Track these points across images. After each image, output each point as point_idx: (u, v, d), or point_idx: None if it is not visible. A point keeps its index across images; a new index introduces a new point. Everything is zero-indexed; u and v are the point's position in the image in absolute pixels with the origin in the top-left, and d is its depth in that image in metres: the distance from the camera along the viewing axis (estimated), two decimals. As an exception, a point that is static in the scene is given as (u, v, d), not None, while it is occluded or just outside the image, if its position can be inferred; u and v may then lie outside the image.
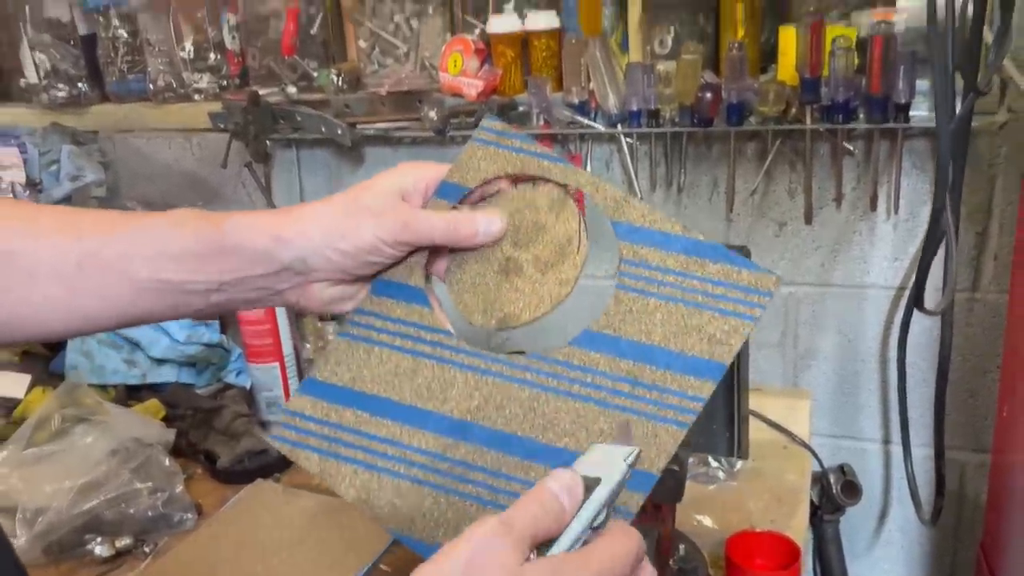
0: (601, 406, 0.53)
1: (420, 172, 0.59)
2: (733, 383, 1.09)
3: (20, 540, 0.99)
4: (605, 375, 0.54)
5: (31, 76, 1.47)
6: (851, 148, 1.12)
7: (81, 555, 1.00)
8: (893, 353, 1.18)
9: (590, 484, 0.43)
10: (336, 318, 1.34)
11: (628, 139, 1.20)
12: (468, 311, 0.59)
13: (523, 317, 0.57)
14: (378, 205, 0.56)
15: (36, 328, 0.55)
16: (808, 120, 1.08)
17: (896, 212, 1.12)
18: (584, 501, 0.43)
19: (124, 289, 0.55)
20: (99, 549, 1.00)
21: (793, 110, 1.10)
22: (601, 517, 0.43)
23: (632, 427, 0.51)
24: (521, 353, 0.56)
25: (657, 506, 0.74)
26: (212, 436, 1.17)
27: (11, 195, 1.23)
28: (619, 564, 0.42)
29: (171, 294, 0.56)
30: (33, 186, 1.28)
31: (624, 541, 0.42)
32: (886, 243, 1.15)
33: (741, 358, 1.09)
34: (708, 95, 1.10)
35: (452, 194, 0.60)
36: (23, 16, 1.44)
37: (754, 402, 1.15)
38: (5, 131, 1.33)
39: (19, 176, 1.25)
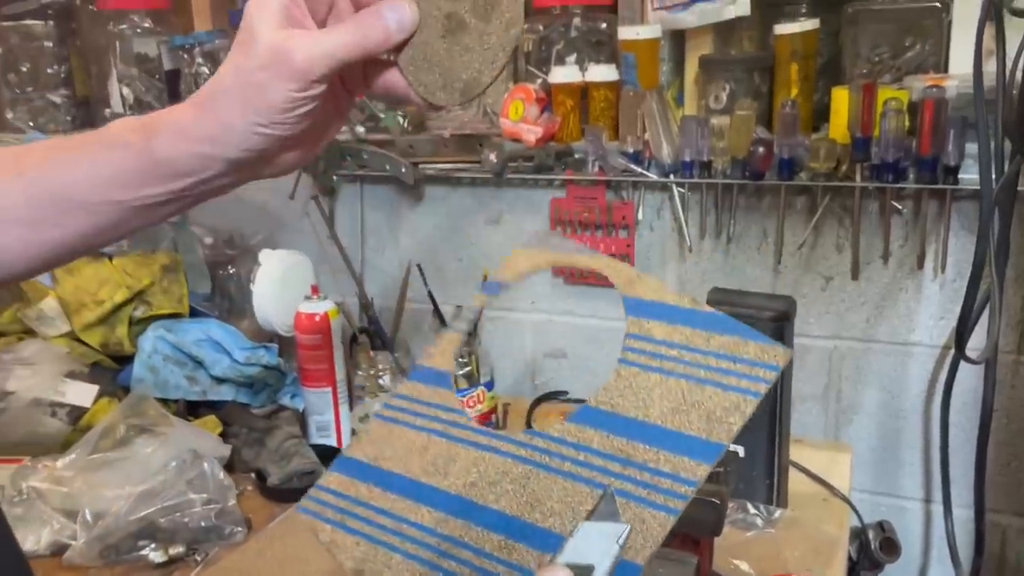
0: (590, 486, 0.51)
1: None
2: (775, 433, 1.11)
3: (80, 541, 1.04)
4: (598, 453, 0.52)
5: (116, 106, 1.57)
6: (900, 207, 1.14)
7: (136, 560, 1.04)
8: (936, 412, 1.19)
9: (583, 572, 0.43)
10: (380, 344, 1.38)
11: (680, 188, 1.24)
12: (429, 92, 0.54)
13: (483, 79, 0.54)
14: (266, 46, 0.49)
15: (8, 268, 0.53)
16: (858, 178, 1.11)
17: (943, 271, 1.14)
18: None
19: (80, 214, 0.54)
20: (153, 555, 1.04)
21: (843, 168, 1.13)
22: None
23: (614, 495, 0.50)
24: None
25: (696, 540, 0.76)
26: (264, 455, 1.22)
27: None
28: None
29: (128, 211, 0.54)
30: (113, 208, 1.36)
31: None
32: (932, 302, 1.17)
33: (783, 408, 1.10)
34: (760, 149, 1.14)
35: (491, 291, 0.64)
36: (114, 51, 1.53)
37: (795, 453, 1.16)
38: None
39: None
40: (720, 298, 1.11)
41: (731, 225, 1.23)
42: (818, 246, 1.21)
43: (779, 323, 1.07)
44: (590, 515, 0.50)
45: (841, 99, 1.11)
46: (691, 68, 1.28)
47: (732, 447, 0.98)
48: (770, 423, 1.11)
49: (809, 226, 1.18)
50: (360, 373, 1.37)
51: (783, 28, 1.18)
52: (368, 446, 0.61)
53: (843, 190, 1.15)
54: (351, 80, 0.55)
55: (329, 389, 1.33)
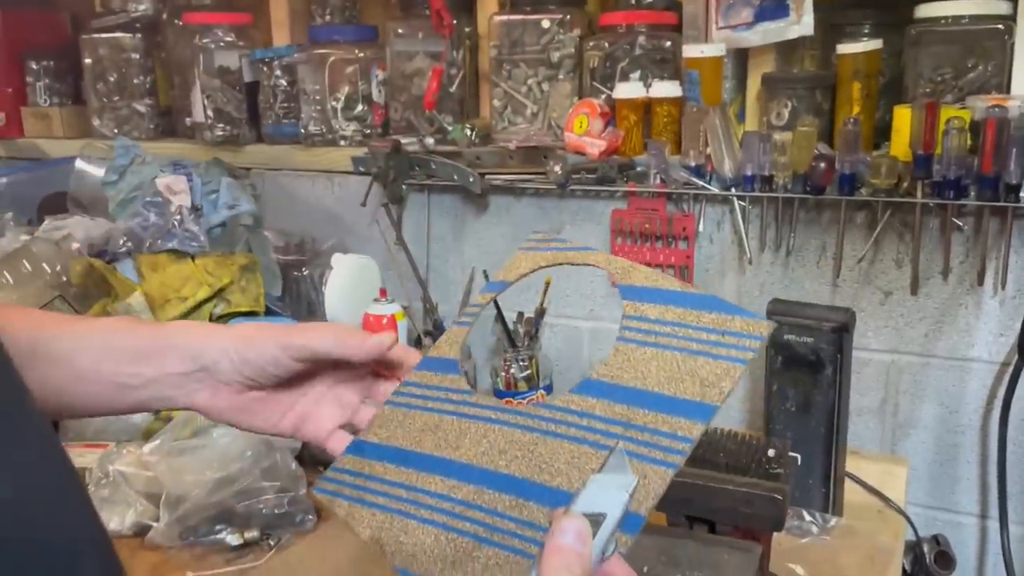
0: (595, 448, 0.55)
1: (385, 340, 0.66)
2: (831, 443, 1.13)
3: (161, 523, 1.10)
4: (600, 419, 0.56)
5: (198, 116, 1.65)
6: (960, 224, 1.16)
7: (213, 542, 1.10)
8: (994, 428, 1.19)
9: (596, 519, 0.47)
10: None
11: (741, 202, 1.27)
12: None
13: None
14: (279, 329, 0.65)
15: None
16: (919, 194, 1.13)
17: (1003, 288, 1.15)
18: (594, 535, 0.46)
19: (65, 378, 0.63)
20: (229, 538, 1.10)
21: (904, 184, 1.15)
22: (610, 549, 0.47)
23: (622, 451, 0.53)
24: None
25: (757, 536, 0.79)
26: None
27: (179, 217, 1.38)
28: None
29: (105, 386, 0.64)
30: (195, 210, 1.43)
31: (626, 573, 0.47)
32: (992, 318, 1.18)
33: (840, 419, 1.12)
34: (822, 165, 1.17)
35: (494, 289, 0.70)
36: (198, 63, 1.62)
37: (851, 464, 1.18)
38: (176, 161, 1.50)
39: (186, 201, 1.41)
40: (780, 309, 1.13)
41: (791, 238, 1.25)
42: (877, 261, 1.23)
43: (838, 334, 1.09)
44: (600, 469, 0.54)
45: (903, 117, 1.14)
46: (753, 85, 1.31)
47: (790, 454, 1.00)
48: (827, 433, 1.13)
49: (869, 241, 1.20)
50: (423, 374, 1.41)
51: (846, 48, 1.21)
52: (380, 430, 0.65)
53: (904, 206, 1.17)
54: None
55: (394, 389, 1.38)
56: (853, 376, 1.22)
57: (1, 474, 0.41)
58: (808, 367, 1.12)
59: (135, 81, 1.74)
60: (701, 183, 1.27)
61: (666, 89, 1.31)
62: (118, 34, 1.72)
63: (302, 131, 1.59)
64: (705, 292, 0.58)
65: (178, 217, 1.38)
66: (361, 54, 1.54)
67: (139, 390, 0.64)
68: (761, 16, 1.26)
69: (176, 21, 1.67)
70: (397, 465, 0.63)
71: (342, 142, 1.57)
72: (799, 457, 1.12)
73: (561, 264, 0.67)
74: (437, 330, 1.47)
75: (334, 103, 1.56)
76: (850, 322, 1.11)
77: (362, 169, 1.51)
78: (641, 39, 1.36)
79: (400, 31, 1.52)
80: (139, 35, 1.72)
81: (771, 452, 0.91)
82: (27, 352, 0.60)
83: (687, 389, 0.54)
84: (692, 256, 1.33)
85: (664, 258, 1.34)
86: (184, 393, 0.65)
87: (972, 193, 1.12)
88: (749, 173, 1.23)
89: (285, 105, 1.61)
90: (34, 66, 1.84)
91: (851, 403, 1.22)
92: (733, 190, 1.26)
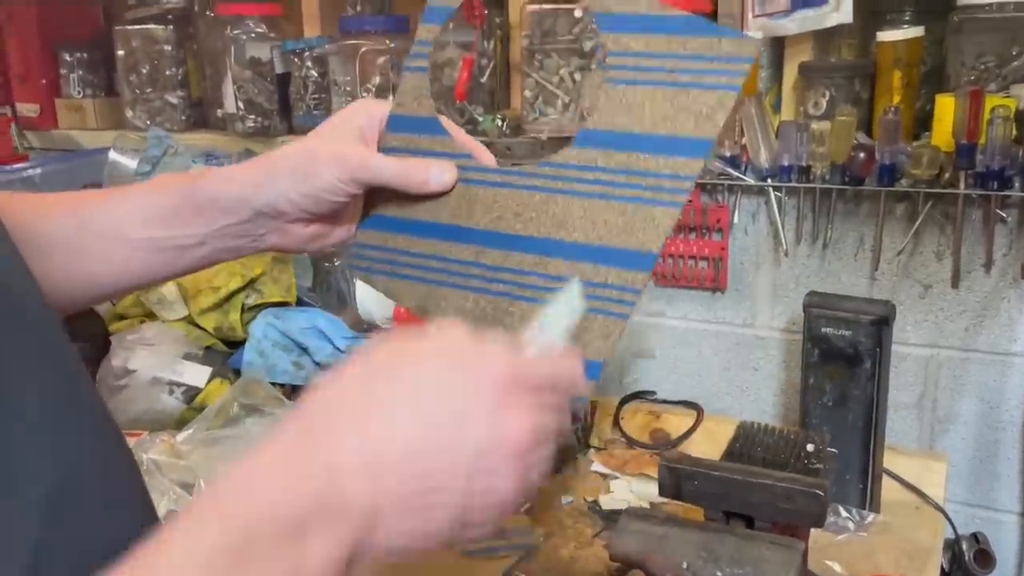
0: (604, 199, 0.58)
1: (373, 109, 0.66)
2: (869, 438, 1.11)
3: (195, 512, 1.11)
4: (603, 170, 0.58)
5: (229, 107, 1.65)
6: (1004, 215, 1.14)
7: (245, 531, 1.10)
8: (1037, 424, 1.17)
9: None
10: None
11: (777, 193, 1.25)
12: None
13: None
14: (335, 148, 0.62)
15: (54, 297, 0.56)
16: (962, 185, 1.11)
17: (1048, 281, 1.13)
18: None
19: (120, 250, 0.62)
20: (262, 527, 1.10)
21: (946, 175, 1.12)
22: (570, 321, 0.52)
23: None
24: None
25: (796, 532, 0.78)
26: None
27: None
28: (563, 377, 0.49)
29: (161, 251, 0.63)
30: (227, 202, 1.44)
31: (574, 363, 0.50)
32: (1036, 312, 1.15)
33: (878, 414, 1.10)
34: (861, 155, 1.14)
35: (437, 17, 0.68)
36: (229, 54, 1.62)
37: (889, 460, 1.16)
38: (208, 152, 1.50)
39: (218, 192, 1.42)
40: (818, 301, 1.12)
41: (828, 230, 1.23)
42: (917, 253, 1.20)
43: (877, 327, 1.08)
44: (609, 228, 0.58)
45: (946, 106, 1.11)
46: (790, 74, 1.29)
47: (829, 449, 0.98)
48: (864, 428, 1.11)
49: (909, 233, 1.18)
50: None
51: (887, 35, 1.18)
52: (391, 205, 0.67)
53: (945, 197, 1.15)
54: (372, 200, 0.67)
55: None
56: (891, 370, 1.20)
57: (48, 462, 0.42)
58: (846, 361, 1.10)
59: (167, 73, 1.75)
60: (736, 173, 1.25)
61: (701, 78, 1.29)
62: (150, 26, 1.73)
63: (333, 122, 1.58)
64: (685, 13, 0.57)
65: (210, 208, 1.38)
66: (392, 44, 1.53)
67: (198, 248, 0.63)
68: (799, 4, 1.23)
69: (208, 12, 1.67)
70: (419, 236, 0.65)
71: (373, 133, 1.57)
72: (836, 452, 1.10)
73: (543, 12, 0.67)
74: (467, 322, 1.46)
75: (365, 93, 1.56)
76: (890, 315, 1.09)
77: (392, 160, 1.50)
78: (675, 28, 1.34)
79: (431, 21, 1.52)
80: (171, 27, 1.73)
81: (810, 447, 0.90)
82: (73, 234, 0.61)
83: (682, 125, 0.55)
84: (726, 248, 1.31)
85: (698, 249, 1.33)
86: (249, 240, 0.64)
87: (1016, 184, 1.09)
88: (786, 163, 1.21)
89: (316, 96, 1.61)
90: (68, 58, 1.86)
91: (889, 398, 1.20)
92: (769, 181, 1.24)
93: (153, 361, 1.29)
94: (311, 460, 0.42)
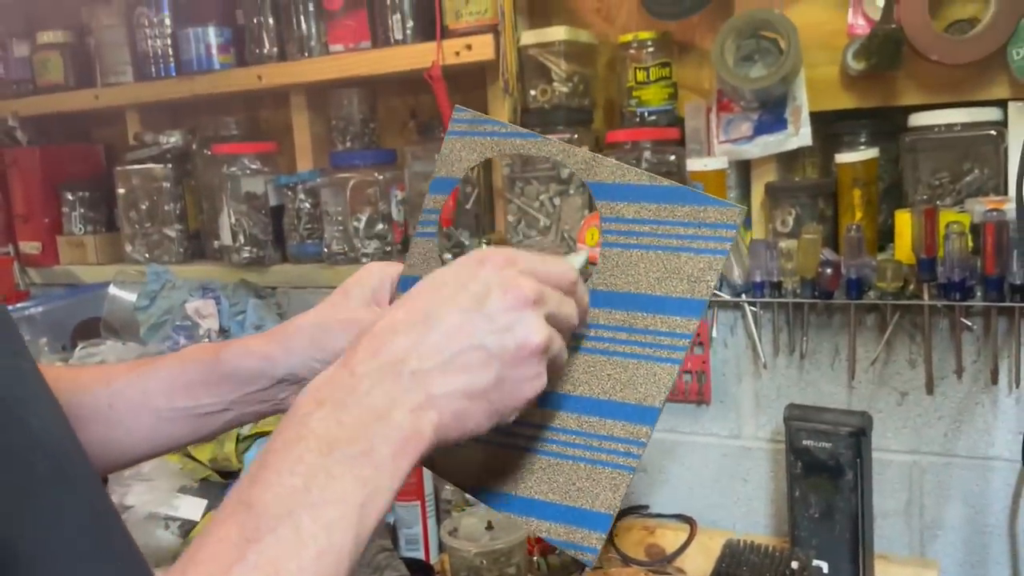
0: (606, 355, 0.61)
1: (386, 271, 0.70)
2: (857, 549, 1.12)
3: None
4: (605, 327, 0.61)
5: (226, 239, 1.72)
6: (969, 324, 1.18)
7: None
8: (1022, 528, 1.18)
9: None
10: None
11: (752, 307, 1.30)
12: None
13: None
14: (348, 313, 0.66)
15: (93, 463, 0.58)
16: (926, 296, 1.16)
17: (1018, 386, 1.16)
18: None
19: (146, 420, 0.66)
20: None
21: (911, 286, 1.17)
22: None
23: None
24: None
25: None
26: (360, 569, 1.27)
27: (207, 340, 1.43)
28: (554, 271, 0.56)
29: (187, 419, 0.66)
30: (223, 332, 1.48)
31: (563, 263, 0.57)
32: (1009, 416, 1.18)
33: (865, 524, 1.12)
34: (828, 270, 1.20)
35: (442, 188, 0.71)
36: (226, 189, 1.70)
37: (880, 570, 1.17)
38: (205, 285, 1.56)
39: (214, 324, 1.46)
40: (797, 414, 1.15)
41: (804, 342, 1.27)
42: (891, 362, 1.24)
43: (856, 438, 1.11)
44: (612, 383, 0.61)
45: (904, 222, 1.17)
46: (757, 194, 1.36)
47: (816, 563, 1.00)
48: (852, 539, 1.12)
49: (881, 343, 1.22)
50: (447, 487, 1.42)
51: (844, 157, 1.26)
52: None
53: (912, 308, 1.20)
54: None
55: (418, 503, 1.39)
56: (876, 478, 1.22)
57: None
58: (828, 472, 1.12)
59: (166, 208, 1.82)
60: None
61: (673, 201, 1.36)
62: (150, 165, 1.81)
63: (325, 250, 1.65)
64: (673, 184, 0.61)
65: (207, 340, 1.43)
66: (380, 176, 1.61)
67: (224, 413, 0.67)
68: (760, 130, 1.32)
69: (205, 151, 1.76)
70: None
71: (364, 259, 1.63)
72: (825, 565, 1.11)
73: (512, 154, 0.68)
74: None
75: (355, 223, 1.63)
76: (867, 425, 1.12)
77: (383, 285, 1.55)
78: (646, 154, 1.42)
79: (417, 154, 1.60)
80: (170, 165, 1.81)
81: (795, 564, 0.92)
82: (105, 406, 0.65)
83: (676, 287, 0.59)
84: (708, 361, 1.35)
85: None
86: (271, 405, 0.67)
87: (978, 293, 1.14)
88: (758, 279, 1.26)
89: (309, 226, 1.68)
90: (70, 197, 1.94)
91: (876, 506, 1.21)
92: (743, 296, 1.29)
93: (149, 497, 1.31)
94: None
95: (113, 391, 0.67)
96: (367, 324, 0.63)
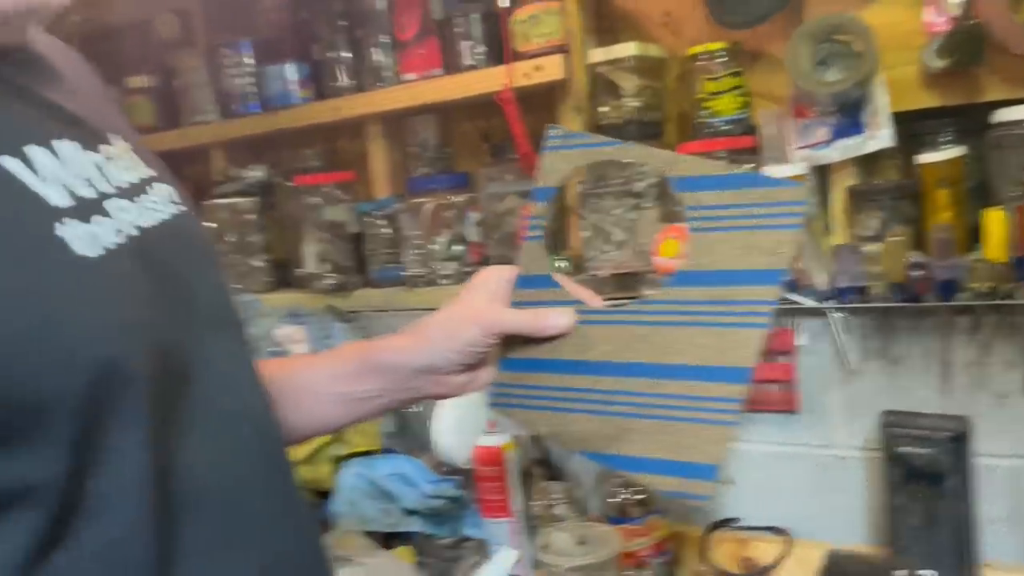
0: (700, 326, 0.68)
1: (502, 272, 0.79)
2: (963, 557, 1.09)
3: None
4: (696, 302, 0.69)
5: (309, 266, 1.77)
6: (1070, 321, 1.14)
7: None
8: None
9: None
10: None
11: (838, 314, 1.28)
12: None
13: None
14: (473, 310, 0.75)
15: None
16: (1023, 296, 1.12)
17: None
18: None
19: (312, 401, 0.76)
20: None
21: (1005, 286, 1.14)
22: None
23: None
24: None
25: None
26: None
27: (298, 365, 1.48)
28: None
29: (345, 403, 0.77)
30: (312, 358, 1.53)
31: None
32: (1120, 416, 1.14)
33: (970, 531, 1.09)
34: (917, 273, 1.17)
35: (543, 196, 0.78)
36: (308, 219, 1.76)
37: (987, 577, 1.13)
38: (293, 312, 1.61)
39: (304, 349, 1.51)
40: (893, 420, 1.13)
41: (894, 347, 1.25)
42: (987, 364, 1.21)
43: (956, 443, 1.08)
44: (706, 351, 0.68)
45: (994, 220, 1.14)
46: (838, 198, 1.34)
47: (921, 572, 0.98)
48: (957, 547, 1.10)
49: (976, 345, 1.19)
50: (535, 504, 1.44)
51: (927, 157, 1.23)
52: (523, 348, 0.78)
53: (1008, 308, 1.16)
54: (507, 345, 0.80)
55: (507, 519, 1.41)
56: (980, 483, 1.19)
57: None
58: (928, 479, 1.10)
59: (252, 239, 1.89)
60: (796, 297, 1.29)
61: (751, 210, 1.35)
62: (236, 199, 1.88)
63: (406, 274, 1.69)
64: (745, 170, 0.71)
65: (298, 365, 1.47)
66: (456, 199, 1.65)
67: (373, 400, 0.77)
68: (838, 133, 1.30)
69: (287, 183, 1.83)
70: (546, 372, 0.76)
71: (443, 281, 1.66)
72: (932, 574, 1.08)
73: (600, 162, 0.77)
74: (545, 458, 1.50)
75: (434, 246, 1.66)
76: (966, 430, 1.10)
77: (463, 305, 1.58)
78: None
79: (491, 175, 1.63)
80: (255, 198, 1.88)
81: (901, 573, 0.90)
82: (284, 389, 0.73)
83: (756, 260, 0.66)
84: (794, 370, 1.34)
85: (768, 373, 1.35)
86: (414, 392, 0.77)
87: (1079, 290, 1.10)
88: (843, 285, 1.24)
89: (389, 251, 1.73)
90: (162, 232, 2.02)
91: (981, 512, 1.18)
92: (829, 302, 1.27)
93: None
94: None
95: (292, 377, 0.76)
96: (491, 317, 0.74)
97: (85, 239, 0.49)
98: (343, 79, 1.70)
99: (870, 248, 1.22)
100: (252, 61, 1.80)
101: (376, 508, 1.38)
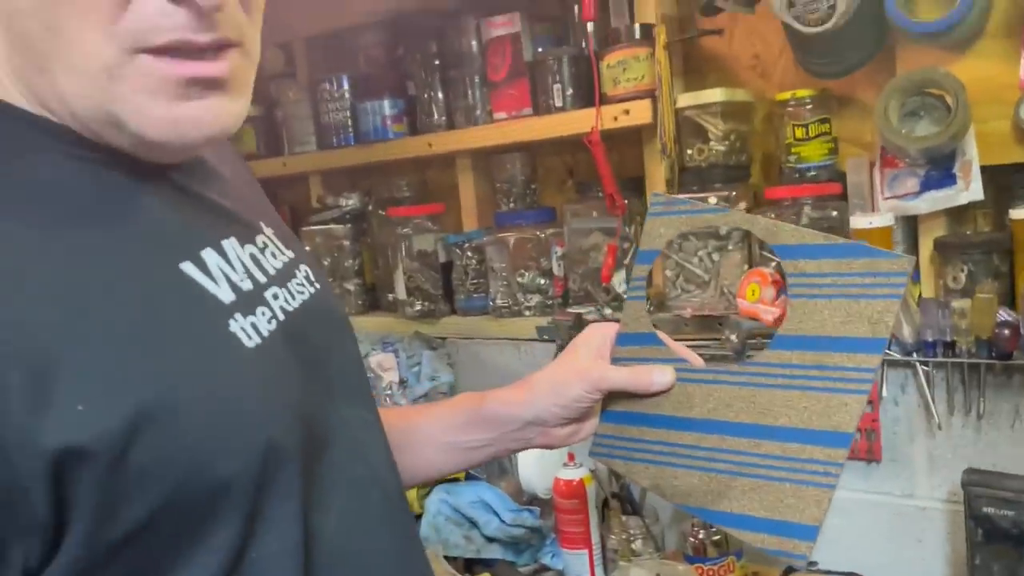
0: (802, 390, 0.70)
1: (604, 331, 0.82)
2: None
3: None
4: (798, 366, 0.71)
5: (400, 293, 1.85)
6: None
7: None
8: None
9: None
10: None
11: (924, 367, 1.28)
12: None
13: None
14: (579, 366, 0.79)
15: None
16: (1116, 359, 1.11)
17: None
18: None
19: (430, 450, 0.82)
20: None
21: (1099, 348, 1.13)
22: None
23: None
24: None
25: None
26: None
27: (389, 391, 1.55)
28: None
29: (459, 451, 0.82)
30: (402, 383, 1.60)
31: None
32: None
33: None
34: (1006, 332, 1.17)
35: (646, 259, 0.81)
36: (399, 247, 1.83)
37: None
38: (386, 339, 1.69)
39: (394, 377, 1.59)
40: (978, 480, 1.13)
41: (980, 403, 1.24)
42: (1079, 424, 1.19)
43: (1042, 508, 1.07)
44: (807, 414, 0.70)
45: (1090, 280, 1.13)
46: (926, 248, 1.33)
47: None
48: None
49: (1067, 405, 1.18)
50: (613, 537, 1.48)
51: (1020, 213, 1.22)
52: (622, 399, 0.81)
53: (1101, 369, 1.15)
54: (609, 398, 0.83)
55: (585, 551, 1.45)
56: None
57: None
58: (1012, 541, 1.09)
59: (345, 264, 1.98)
60: (880, 348, 1.30)
61: (836, 257, 1.36)
62: (332, 225, 1.98)
63: (491, 303, 1.75)
64: (846, 241, 0.70)
65: (389, 391, 1.55)
66: (541, 234, 1.70)
67: (484, 449, 0.82)
68: (928, 185, 1.30)
69: (380, 212, 1.91)
70: (648, 427, 0.79)
71: (527, 312, 1.71)
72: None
73: (703, 228, 0.80)
74: (623, 491, 1.54)
75: (519, 278, 1.72)
76: (1055, 495, 1.09)
77: (546, 337, 1.63)
78: (807, 209, 1.43)
79: (576, 211, 1.67)
80: (349, 225, 1.97)
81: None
82: (402, 438, 0.79)
83: (859, 328, 0.68)
84: (878, 420, 1.34)
85: (847, 421, 1.36)
86: (522, 442, 0.82)
87: None
88: (930, 338, 1.24)
89: (475, 281, 1.79)
90: (261, 254, 2.13)
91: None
92: (915, 355, 1.27)
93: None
94: None
95: (409, 426, 0.83)
96: (596, 374, 0.78)
97: (250, 330, 0.56)
98: (436, 116, 1.78)
99: (958, 303, 1.22)
100: (350, 96, 1.89)
101: (459, 534, 1.44)
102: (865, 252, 0.69)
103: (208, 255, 0.56)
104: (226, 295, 0.56)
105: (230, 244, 0.59)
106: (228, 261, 0.58)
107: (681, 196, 0.84)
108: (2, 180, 0.49)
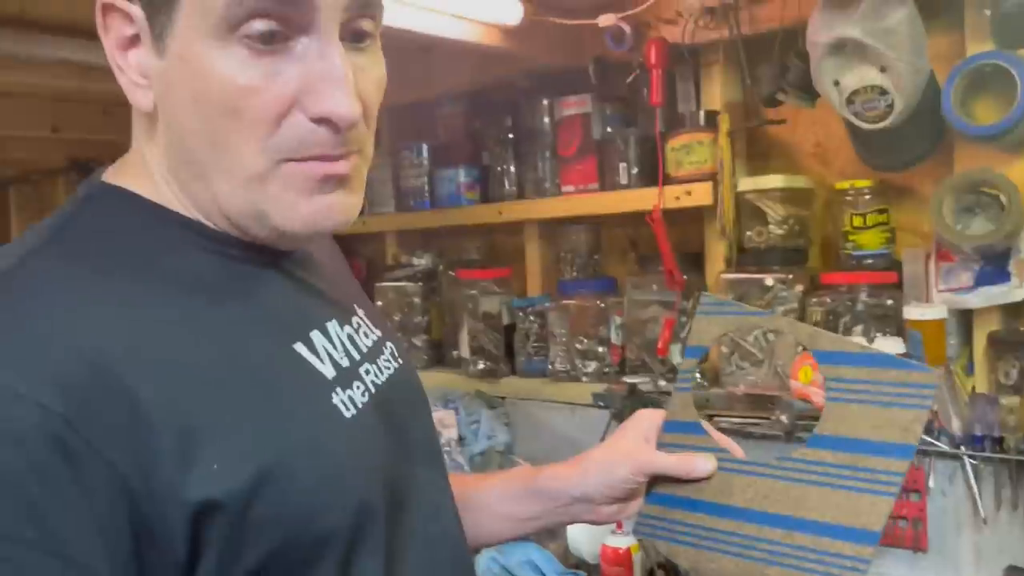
0: (834, 488, 0.74)
1: (653, 417, 0.86)
2: None
3: None
4: (832, 465, 0.75)
5: (463, 351, 1.94)
6: None
7: None
8: None
9: None
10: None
11: (972, 460, 1.29)
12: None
13: None
14: (627, 449, 0.83)
15: None
16: None
17: None
18: None
19: (484, 516, 0.86)
20: None
21: None
22: None
23: None
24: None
25: None
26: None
27: (448, 448, 1.62)
28: None
29: (511, 521, 0.86)
30: (460, 440, 1.67)
31: None
32: None
33: None
34: (1055, 432, 1.18)
35: (695, 354, 0.86)
36: (466, 308, 1.92)
37: None
38: (446, 396, 1.77)
39: (454, 434, 1.66)
40: (1017, 580, 1.13)
41: (1029, 501, 1.25)
42: None
43: (1085, 614, 1.07)
44: (838, 510, 0.74)
45: None
46: (980, 341, 1.35)
47: None
48: None
49: (1117, 510, 1.17)
50: (656, 600, 1.50)
51: (1074, 314, 1.24)
52: (667, 484, 0.85)
53: None
54: (654, 481, 0.88)
55: (628, 610, 1.48)
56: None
57: None
58: (1054, 645, 1.09)
59: (415, 320, 2.08)
60: (930, 439, 1.31)
61: (889, 346, 1.38)
62: (403, 283, 2.08)
63: (550, 367, 1.81)
64: (881, 352, 0.76)
65: (447, 448, 1.62)
66: (602, 303, 1.76)
67: (534, 520, 0.86)
68: (982, 280, 1.32)
69: (450, 273, 2.01)
70: (690, 511, 0.83)
71: (584, 378, 1.77)
72: None
73: (746, 328, 0.85)
74: (669, 563, 1.56)
75: (578, 344, 1.78)
76: (1098, 601, 1.08)
77: (601, 404, 1.69)
78: (863, 295, 1.46)
79: (636, 283, 1.74)
80: (420, 283, 2.07)
81: None
82: (463, 504, 0.84)
83: (890, 434, 0.72)
84: (924, 509, 1.35)
85: (896, 509, 1.37)
86: (569, 517, 0.87)
87: None
88: (978, 433, 1.26)
89: (536, 344, 1.86)
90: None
91: None
92: (963, 448, 1.29)
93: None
94: None
95: (467, 493, 0.88)
96: (643, 458, 0.83)
97: (347, 402, 0.64)
98: (507, 186, 1.87)
99: (1007, 400, 1.23)
100: (428, 163, 2.00)
101: (506, 592, 1.49)
102: (898, 363, 0.74)
103: (315, 336, 0.65)
104: (329, 372, 0.64)
105: (332, 326, 0.68)
106: (331, 341, 0.66)
107: (729, 300, 0.89)
108: (155, 273, 0.59)
